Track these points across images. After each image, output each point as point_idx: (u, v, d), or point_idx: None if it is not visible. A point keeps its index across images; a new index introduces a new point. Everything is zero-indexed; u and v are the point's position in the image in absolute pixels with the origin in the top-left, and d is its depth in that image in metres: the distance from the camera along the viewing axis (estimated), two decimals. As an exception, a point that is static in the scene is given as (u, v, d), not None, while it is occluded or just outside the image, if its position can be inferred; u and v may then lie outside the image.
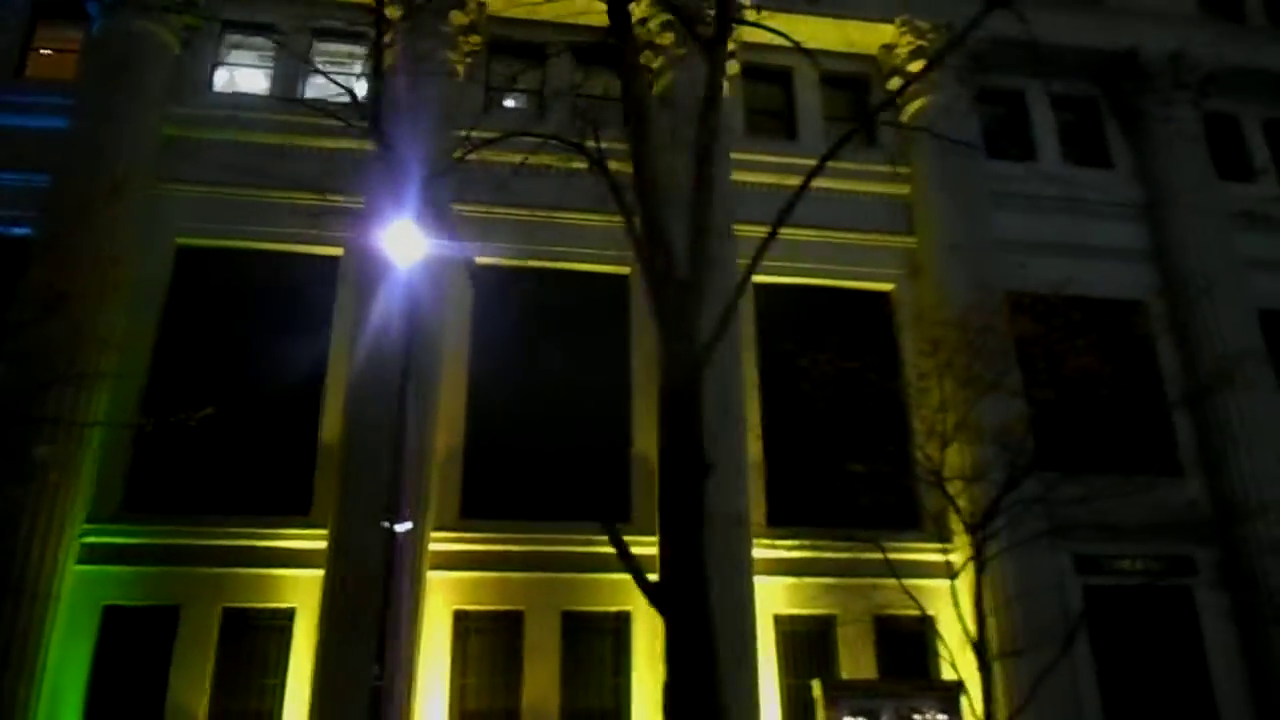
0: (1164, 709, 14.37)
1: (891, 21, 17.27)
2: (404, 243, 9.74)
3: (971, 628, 14.02)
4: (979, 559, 14.40)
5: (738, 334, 14.31)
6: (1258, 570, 14.58)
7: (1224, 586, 14.89)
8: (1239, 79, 18.47)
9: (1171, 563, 15.12)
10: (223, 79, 16.39)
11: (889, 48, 17.56)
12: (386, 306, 13.88)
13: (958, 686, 13.20)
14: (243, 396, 13.96)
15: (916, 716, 12.72)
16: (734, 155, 16.25)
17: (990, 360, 13.97)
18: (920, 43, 17.06)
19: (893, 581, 14.48)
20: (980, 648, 13.32)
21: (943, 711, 12.88)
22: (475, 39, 16.34)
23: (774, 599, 13.99)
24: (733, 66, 16.93)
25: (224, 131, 15.25)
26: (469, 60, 16.32)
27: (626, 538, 13.89)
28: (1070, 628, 14.20)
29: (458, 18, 15.84)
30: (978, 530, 14.32)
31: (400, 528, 9.59)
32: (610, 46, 17.21)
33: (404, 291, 11.13)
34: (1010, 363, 15.90)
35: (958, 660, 14.03)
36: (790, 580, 14.14)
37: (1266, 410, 15.65)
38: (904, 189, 16.95)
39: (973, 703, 13.78)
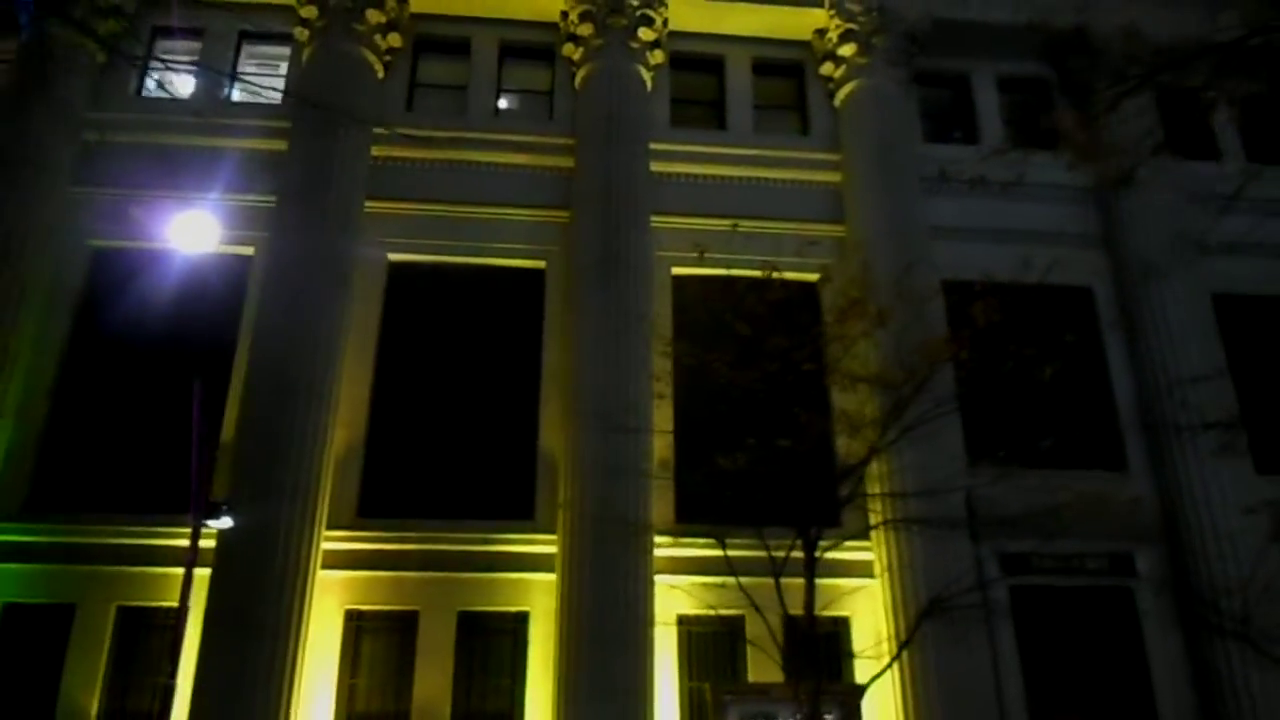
0: (1097, 715, 13.57)
1: (822, 5, 16.76)
2: (192, 233, 9.49)
3: (885, 628, 13.51)
4: (892, 556, 13.89)
5: (645, 333, 13.96)
6: (1202, 572, 13.69)
7: (1168, 588, 14.01)
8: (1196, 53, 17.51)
9: (1111, 562, 14.29)
10: (148, 84, 16.57)
11: (822, 32, 17.05)
12: (289, 304, 13.86)
13: (859, 690, 12.61)
14: (148, 396, 14.09)
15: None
16: (658, 146, 15.96)
17: (920, 351, 13.38)
18: (851, 26, 16.52)
19: (801, 581, 14.03)
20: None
21: (844, 715, 12.30)
22: (395, 37, 16.26)
23: (679, 600, 13.55)
24: (657, 55, 16.64)
25: (144, 135, 15.41)
26: (388, 59, 16.24)
27: (528, 536, 13.81)
28: (988, 629, 13.61)
29: (374, 16, 15.78)
30: (884, 528, 13.82)
31: (217, 523, 9.42)
32: (536, 41, 17.18)
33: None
34: (941, 354, 15.31)
35: (871, 663, 13.51)
36: (697, 580, 13.68)
37: (1214, 402, 14.72)
38: (836, 176, 16.43)
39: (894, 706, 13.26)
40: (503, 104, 16.81)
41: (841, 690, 12.65)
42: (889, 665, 11.39)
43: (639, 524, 12.94)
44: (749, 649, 13.53)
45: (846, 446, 14.84)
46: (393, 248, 15.21)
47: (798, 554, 13.91)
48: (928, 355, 11.06)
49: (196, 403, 9.89)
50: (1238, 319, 16.01)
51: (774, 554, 11.91)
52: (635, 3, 16.10)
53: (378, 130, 15.66)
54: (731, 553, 13.86)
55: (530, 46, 16.94)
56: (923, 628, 13.07)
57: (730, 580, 13.70)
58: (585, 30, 16.10)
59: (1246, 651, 12.57)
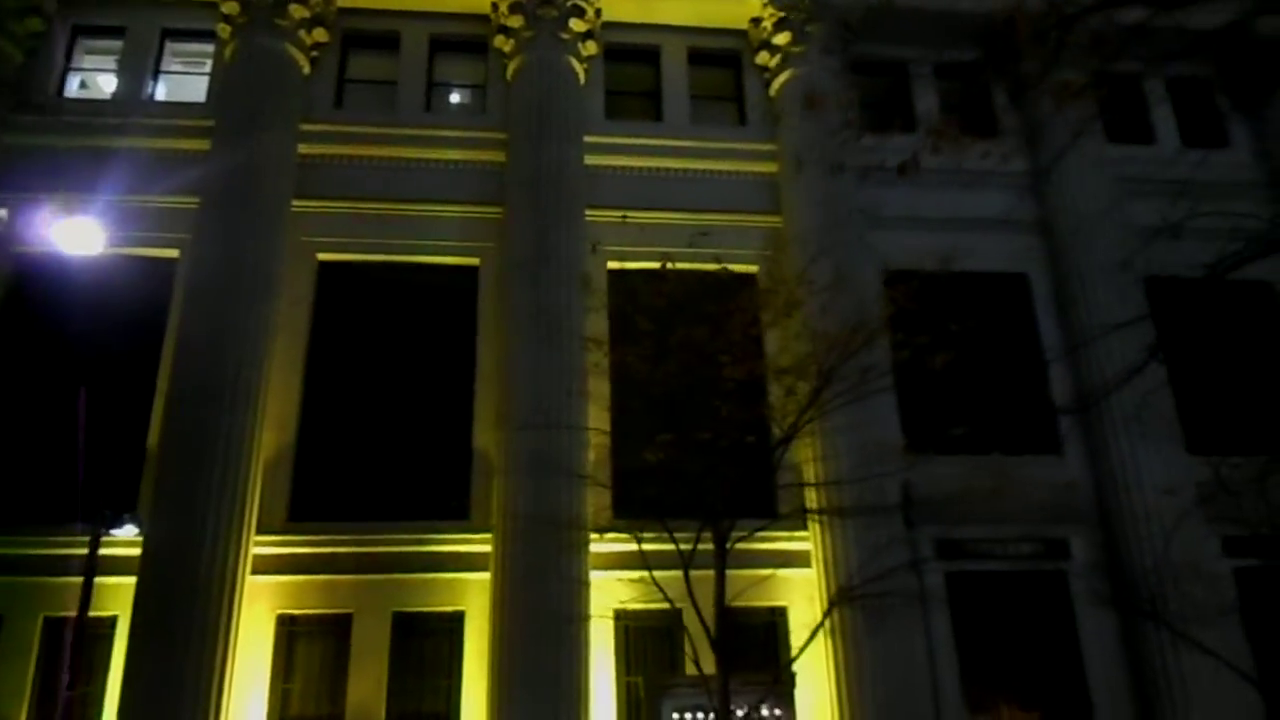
0: (1032, 700, 13.71)
1: (746, -8, 16.68)
2: (77, 237, 9.30)
3: (819, 618, 13.52)
4: (826, 545, 13.93)
5: (576, 327, 13.87)
6: (1133, 554, 13.82)
7: (1101, 571, 14.15)
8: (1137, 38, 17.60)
9: (1046, 546, 14.41)
10: (70, 84, 16.25)
11: (757, 21, 16.95)
12: (212, 307, 13.66)
13: (791, 680, 12.68)
14: (72, 404, 13.82)
15: (748, 711, 12.18)
16: (592, 139, 15.84)
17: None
18: (785, 14, 16.44)
19: (745, 573, 14.03)
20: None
21: (777, 706, 12.35)
22: (321, 32, 16.00)
23: (617, 594, 13.51)
24: (591, 47, 16.50)
25: (66, 137, 15.11)
26: (315, 55, 16.00)
27: (463, 536, 13.73)
28: (924, 615, 13.70)
29: (298, 11, 15.51)
30: (819, 517, 13.86)
31: (121, 532, 9.28)
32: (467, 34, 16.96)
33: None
34: (878, 342, 15.33)
35: (808, 652, 13.56)
36: (634, 574, 13.62)
37: (1145, 385, 14.83)
38: (773, 167, 16.38)
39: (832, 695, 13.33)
40: (434, 99, 16.58)
41: (772, 679, 12.68)
42: (800, 651, 11.39)
43: (572, 521, 12.90)
44: (687, 642, 13.58)
45: (779, 438, 14.91)
46: (322, 247, 15.02)
47: (749, 545, 13.99)
48: (842, 342, 11.03)
49: (81, 412, 9.68)
50: (1170, 302, 16.12)
51: (697, 546, 11.90)
52: (567, -9, 15.95)
53: (305, 127, 15.50)
54: (664, 546, 13.89)
55: (461, 40, 16.73)
56: (857, 615, 13.22)
57: (665, 574, 13.77)
58: (515, 22, 15.91)
59: (1171, 633, 12.72)
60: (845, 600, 12.99)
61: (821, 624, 11.49)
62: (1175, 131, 17.92)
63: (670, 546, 13.98)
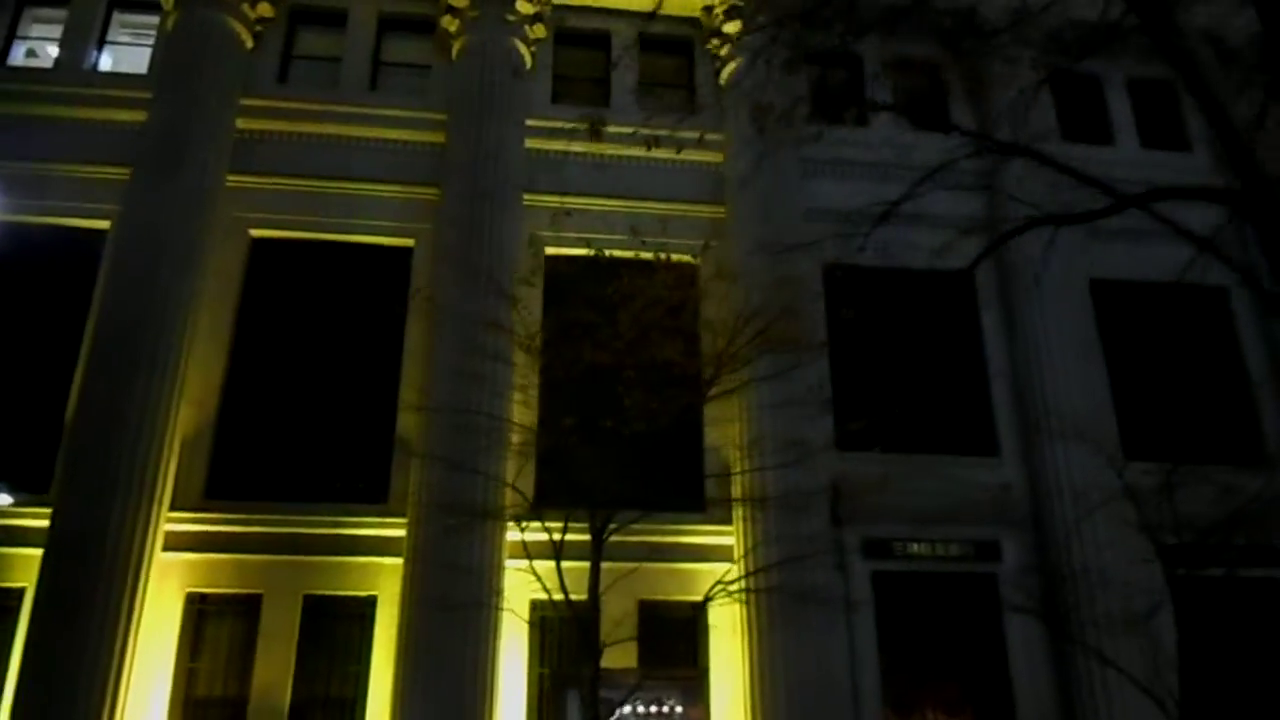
0: (956, 705, 13.49)
1: (698, -20, 16.43)
2: None
3: (739, 614, 13.34)
4: (748, 540, 13.70)
5: (505, 316, 13.63)
6: (1062, 559, 13.58)
7: (1031, 575, 13.90)
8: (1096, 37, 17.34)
9: (977, 548, 14.17)
10: (14, 53, 16.08)
11: (710, 9, 16.72)
12: (137, 279, 13.48)
13: (702, 675, 12.49)
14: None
15: (656, 707, 12.01)
16: (535, 122, 15.63)
17: (794, 334, 13.21)
18: (735, 1, 16.19)
19: (666, 566, 13.85)
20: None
21: (686, 701, 12.16)
22: (266, 7, 15.81)
23: (533, 584, 13.30)
24: (539, 30, 16.29)
25: (6, 105, 14.95)
26: (259, 29, 15.80)
27: (380, 520, 13.54)
28: (847, 616, 13.49)
29: (241, -17, 15.34)
30: (745, 513, 13.65)
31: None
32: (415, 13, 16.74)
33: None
34: (816, 336, 15.12)
35: (727, 649, 13.38)
36: (551, 565, 13.44)
37: (1084, 388, 14.63)
38: (718, 156, 16.16)
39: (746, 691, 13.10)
40: (381, 78, 16.36)
41: (685, 676, 12.50)
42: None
43: (486, 510, 12.66)
44: (604, 635, 13.39)
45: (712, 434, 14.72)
46: (256, 223, 14.82)
47: (670, 539, 13.82)
48: (734, 333, 10.86)
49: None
50: (1114, 304, 15.89)
51: (606, 539, 11.71)
52: (515, -32, 15.75)
53: (245, 102, 15.33)
54: (582, 537, 13.70)
55: (409, 19, 16.51)
56: (775, 612, 12.99)
57: (578, 565, 13.54)
58: (461, 2, 15.70)
59: (1082, 645, 12.48)
60: (762, 596, 12.82)
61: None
62: (1134, 131, 17.67)
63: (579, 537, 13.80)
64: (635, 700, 11.91)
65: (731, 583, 12.83)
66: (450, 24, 15.99)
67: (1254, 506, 14.33)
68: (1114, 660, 11.46)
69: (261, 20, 15.83)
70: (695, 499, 14.01)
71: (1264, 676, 13.75)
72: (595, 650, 11.14)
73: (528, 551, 11.02)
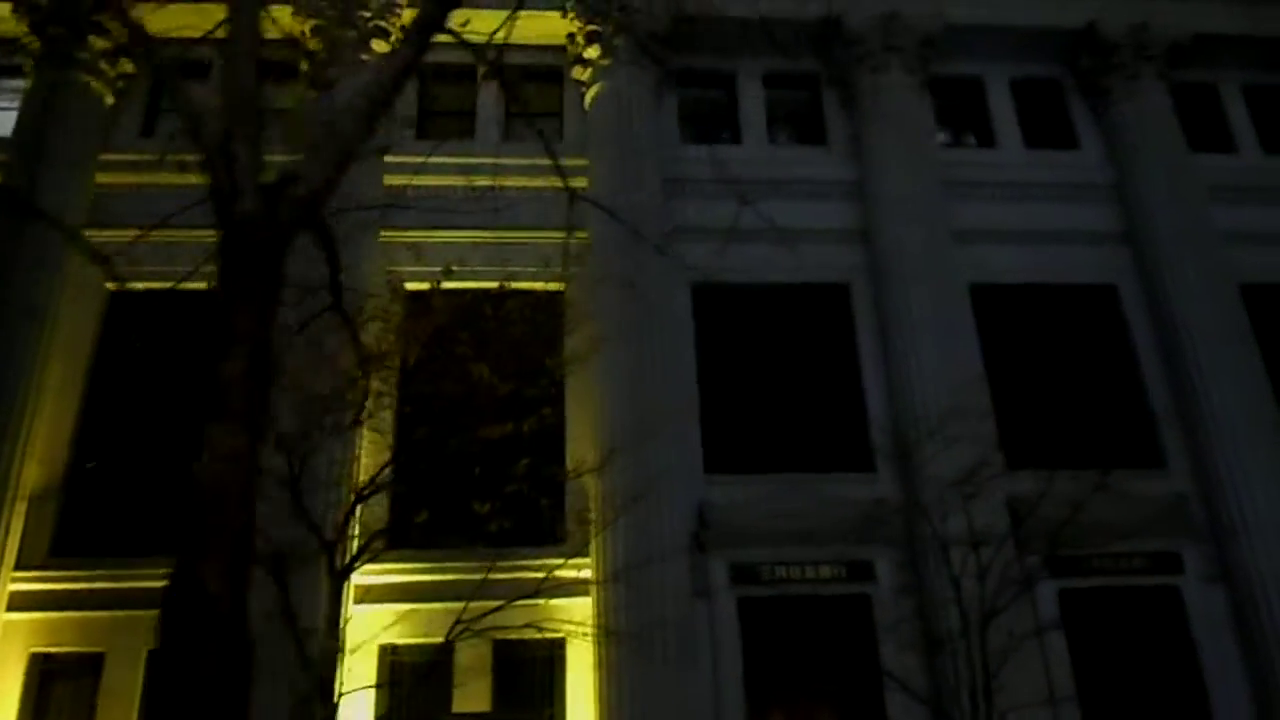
0: (826, 734, 12.93)
1: (559, 9, 16.32)
2: None
3: (591, 651, 12.90)
4: (604, 572, 13.31)
5: (349, 357, 13.47)
6: (934, 579, 12.99)
7: (907, 595, 13.35)
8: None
9: (850, 569, 13.65)
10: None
11: (572, 36, 16.63)
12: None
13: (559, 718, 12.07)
14: None
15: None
16: (394, 159, 15.53)
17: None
18: (593, 27, 16.10)
19: (521, 604, 13.44)
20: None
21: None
22: (127, 64, 15.94)
23: (382, 627, 12.98)
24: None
25: None
26: (120, 85, 15.93)
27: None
28: (712, 645, 13.03)
29: (98, 43, 15.45)
30: (600, 543, 13.28)
31: None
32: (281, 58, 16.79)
33: None
34: (687, 357, 14.85)
35: (586, 689, 12.95)
36: (404, 607, 13.13)
37: (955, 391, 14.12)
38: (584, 182, 15.95)
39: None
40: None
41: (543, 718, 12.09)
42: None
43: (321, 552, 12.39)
44: (456, 678, 13.02)
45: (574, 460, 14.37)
46: (111, 276, 14.78)
47: (510, 575, 13.44)
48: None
49: None
50: (995, 309, 15.42)
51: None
52: (368, 13, 15.76)
53: (105, 157, 15.43)
54: (441, 577, 13.42)
55: (275, 63, 16.54)
56: (633, 649, 12.53)
57: (436, 606, 13.21)
58: (314, 45, 15.75)
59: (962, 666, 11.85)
60: (615, 633, 12.42)
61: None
62: (1019, 132, 17.28)
63: (447, 578, 13.55)
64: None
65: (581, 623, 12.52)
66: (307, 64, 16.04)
67: (1147, 511, 13.80)
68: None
69: (124, 76, 15.94)
70: (554, 531, 13.69)
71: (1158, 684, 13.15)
72: (446, 694, 10.79)
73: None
